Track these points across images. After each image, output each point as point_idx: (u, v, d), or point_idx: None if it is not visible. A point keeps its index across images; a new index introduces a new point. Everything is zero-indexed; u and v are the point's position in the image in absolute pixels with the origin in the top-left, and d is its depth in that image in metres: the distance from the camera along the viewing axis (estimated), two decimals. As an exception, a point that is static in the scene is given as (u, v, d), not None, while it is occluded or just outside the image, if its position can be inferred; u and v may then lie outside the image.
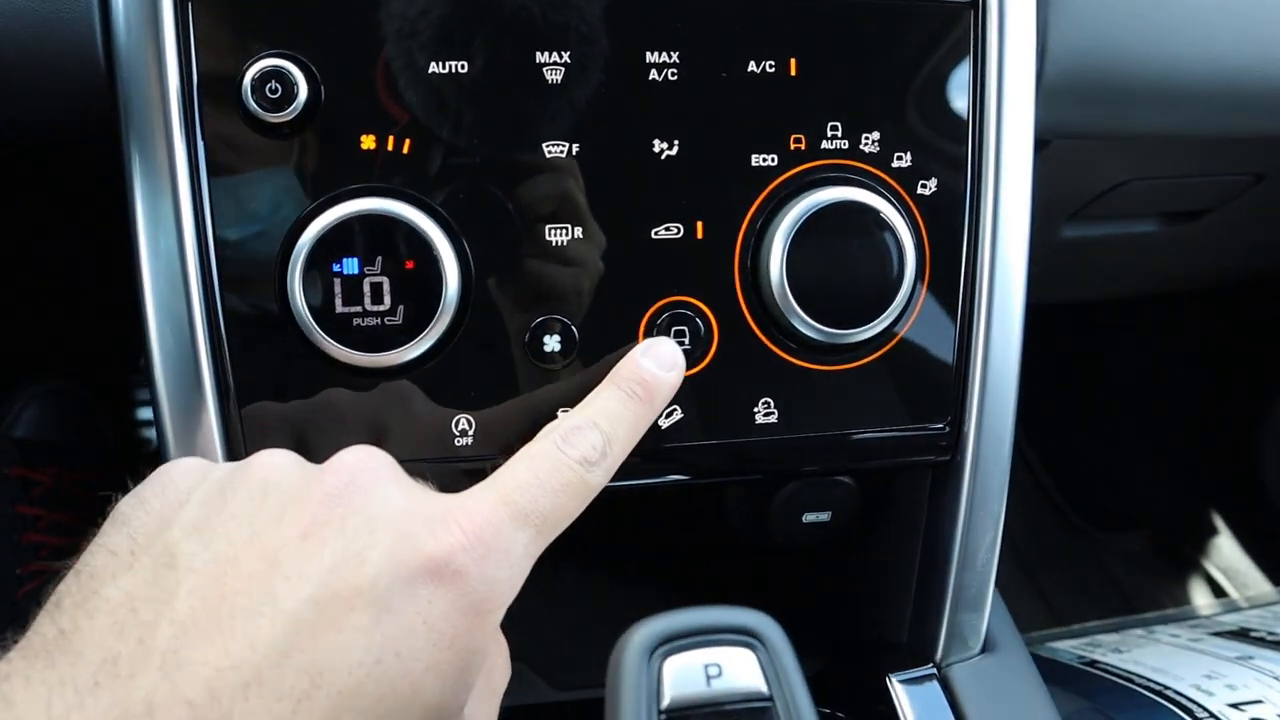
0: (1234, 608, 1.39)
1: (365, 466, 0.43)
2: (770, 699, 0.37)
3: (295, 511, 0.41)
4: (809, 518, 0.66)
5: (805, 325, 0.56)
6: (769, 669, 0.37)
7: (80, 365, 1.29)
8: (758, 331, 0.57)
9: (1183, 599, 1.52)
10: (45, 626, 0.37)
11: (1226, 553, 1.53)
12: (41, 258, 0.99)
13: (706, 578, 0.74)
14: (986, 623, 0.64)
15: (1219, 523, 1.54)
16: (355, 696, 0.37)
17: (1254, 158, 0.89)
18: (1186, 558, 1.54)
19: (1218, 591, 1.51)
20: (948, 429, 0.61)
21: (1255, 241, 1.09)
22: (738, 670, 0.37)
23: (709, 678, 0.37)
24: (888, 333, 0.58)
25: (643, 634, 0.38)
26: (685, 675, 0.37)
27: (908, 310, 0.58)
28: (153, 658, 0.35)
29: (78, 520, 1.22)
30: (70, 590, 0.39)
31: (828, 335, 0.57)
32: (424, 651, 0.39)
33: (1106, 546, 1.59)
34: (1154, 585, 1.55)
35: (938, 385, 0.60)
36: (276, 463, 0.44)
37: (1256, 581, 1.49)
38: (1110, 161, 0.84)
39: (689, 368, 0.56)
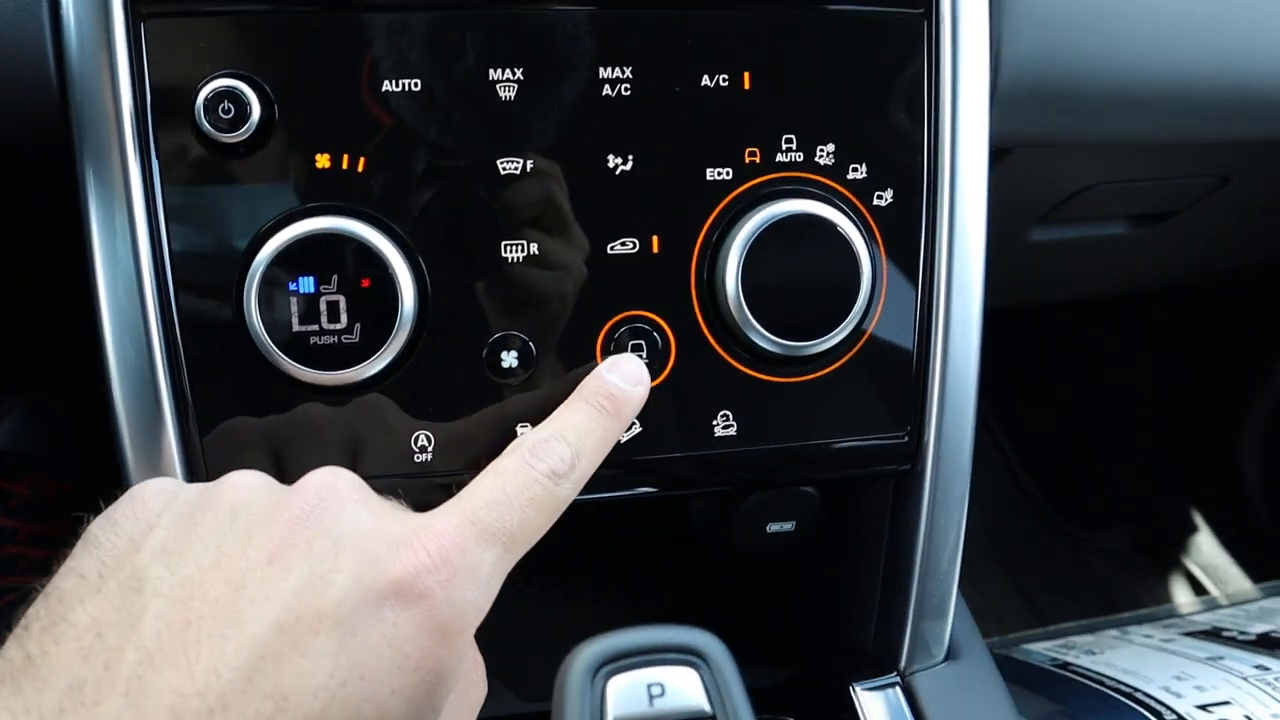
0: (1214, 604, 1.40)
1: (332, 488, 0.43)
2: (713, 717, 0.37)
3: (262, 534, 0.41)
4: (773, 528, 0.67)
5: (762, 338, 0.56)
6: (712, 687, 0.37)
7: (60, 377, 1.29)
8: (715, 345, 0.57)
9: (1164, 596, 1.53)
10: (13, 652, 0.37)
11: (1206, 550, 1.53)
12: (9, 268, 0.99)
13: (672, 588, 0.74)
14: (950, 630, 0.65)
15: (1199, 520, 1.55)
16: None
17: (1220, 160, 0.89)
18: (1167, 555, 1.55)
19: (1198, 589, 1.52)
20: (907, 439, 0.61)
21: (1224, 241, 1.10)
22: (681, 689, 0.37)
23: (651, 697, 0.37)
24: (845, 344, 0.59)
25: (586, 654, 0.38)
26: (628, 695, 0.37)
27: (864, 322, 0.59)
28: (118, 684, 0.36)
29: (57, 531, 1.22)
30: (39, 614, 0.39)
31: (785, 348, 0.57)
32: (389, 675, 0.39)
33: (1088, 544, 1.60)
34: (1135, 582, 1.55)
35: (897, 395, 0.61)
36: (246, 484, 0.44)
37: (1236, 578, 1.50)
38: (1075, 166, 0.85)
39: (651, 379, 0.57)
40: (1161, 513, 1.58)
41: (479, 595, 0.42)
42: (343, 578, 0.39)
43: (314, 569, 0.40)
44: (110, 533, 0.42)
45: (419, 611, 0.40)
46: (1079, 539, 1.60)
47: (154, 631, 0.37)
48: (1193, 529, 1.55)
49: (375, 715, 0.38)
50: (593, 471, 0.50)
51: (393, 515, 0.44)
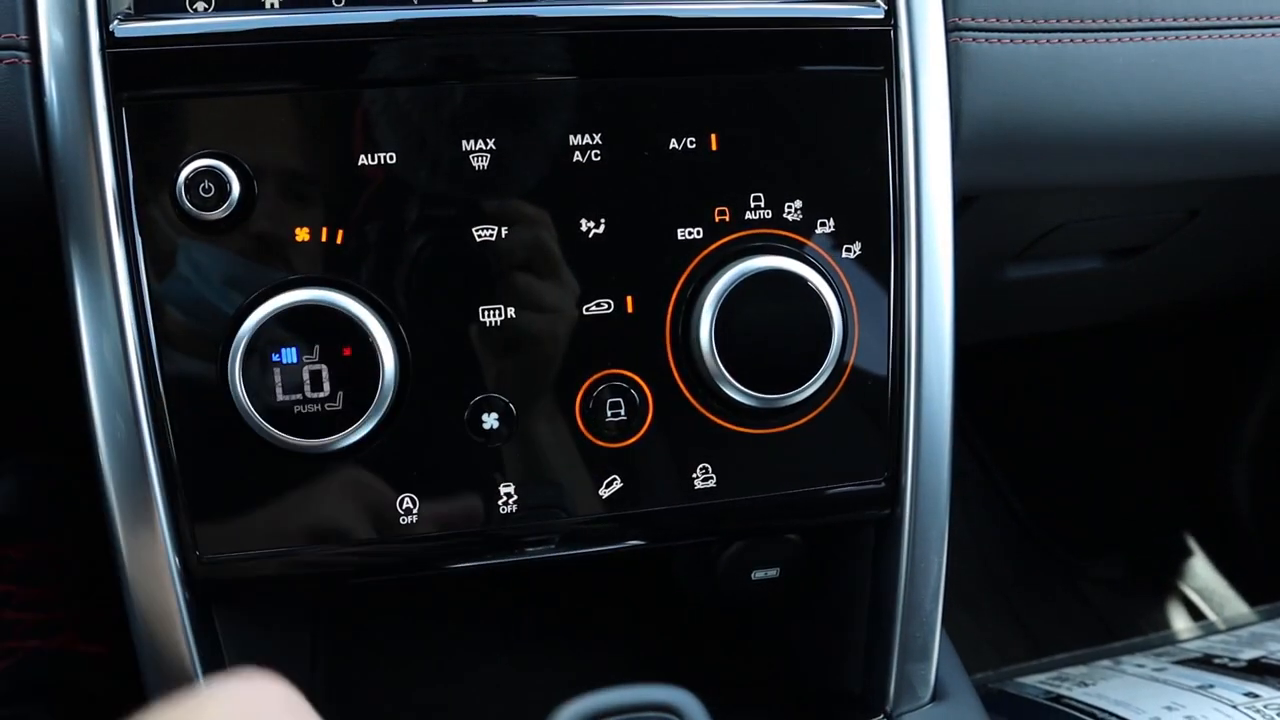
0: (1213, 629, 1.40)
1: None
2: (690, 775, 0.38)
3: None
4: (758, 574, 0.67)
5: (737, 392, 0.58)
6: (688, 745, 0.38)
7: (56, 440, 1.29)
8: (692, 400, 0.59)
9: (1161, 622, 1.53)
10: None
11: (1201, 574, 1.54)
12: (4, 336, 1.00)
13: (656, 640, 0.74)
14: (935, 671, 0.65)
15: (1192, 544, 1.56)
16: None
17: (1187, 196, 0.91)
18: (1162, 581, 1.55)
19: (1195, 613, 1.52)
20: (885, 484, 0.62)
21: (1199, 271, 1.12)
22: (658, 747, 0.38)
23: (630, 757, 0.38)
24: (819, 395, 0.60)
25: (565, 715, 0.39)
26: (607, 755, 0.38)
27: (838, 372, 0.60)
28: None
29: (54, 595, 1.22)
30: None
31: (760, 400, 0.58)
32: None
33: (1084, 573, 1.60)
34: (1132, 609, 1.55)
35: (873, 442, 0.62)
36: None
37: (1231, 600, 1.51)
38: (1046, 206, 0.86)
39: (626, 439, 0.58)
40: (1155, 539, 1.59)
41: None
42: None
43: None
44: None
45: None
46: (1075, 568, 1.61)
47: None
48: (1187, 554, 1.55)
49: None
50: None
51: None
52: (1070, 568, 1.61)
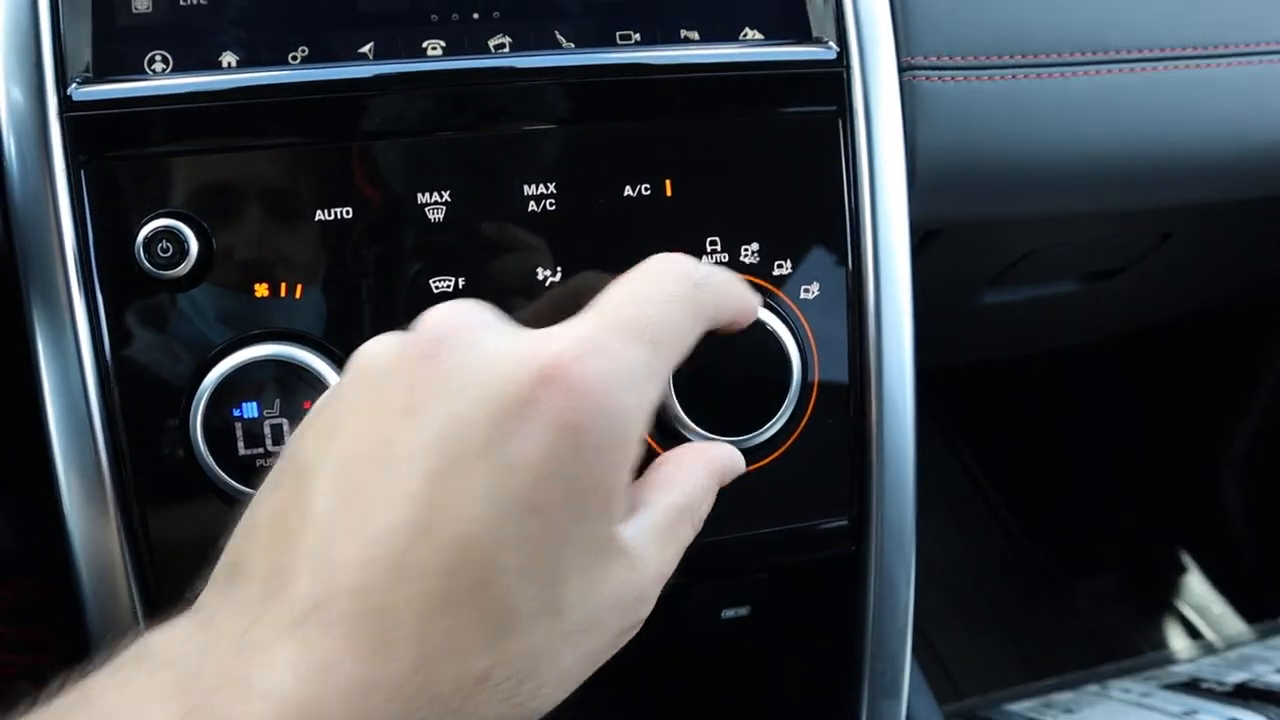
0: (1205, 649, 1.40)
1: (452, 320, 0.41)
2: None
3: (392, 386, 0.39)
4: (727, 613, 0.67)
5: (697, 436, 0.58)
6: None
7: (44, 479, 1.30)
8: (653, 443, 0.59)
9: (1157, 640, 1.53)
10: (221, 558, 0.40)
11: (1196, 590, 1.53)
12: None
13: (627, 676, 0.74)
14: (905, 708, 0.65)
15: (1187, 561, 1.55)
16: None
17: (1158, 219, 0.91)
18: (1157, 598, 1.55)
19: (1191, 630, 1.51)
20: (848, 522, 0.62)
21: (1176, 290, 1.12)
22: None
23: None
24: (781, 435, 0.60)
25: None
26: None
27: (799, 413, 0.60)
28: (303, 562, 0.36)
29: (43, 636, 1.23)
30: (240, 520, 0.41)
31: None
32: (553, 494, 0.37)
33: (1078, 591, 1.60)
34: (1127, 627, 1.55)
35: (836, 480, 0.62)
36: (369, 347, 0.42)
37: (1227, 616, 1.50)
38: (1016, 234, 0.87)
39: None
40: (1149, 556, 1.58)
41: (633, 396, 0.39)
42: (479, 409, 0.37)
43: (451, 408, 0.37)
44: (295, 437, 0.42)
45: (560, 393, 0.37)
46: (1069, 585, 1.60)
47: (323, 508, 0.37)
48: (1181, 570, 1.55)
49: (558, 540, 0.37)
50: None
51: (521, 333, 0.41)
52: (1064, 584, 1.60)
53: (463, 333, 0.40)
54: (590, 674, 0.40)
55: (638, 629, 0.42)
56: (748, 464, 0.59)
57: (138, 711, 0.35)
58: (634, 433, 0.40)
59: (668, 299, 0.42)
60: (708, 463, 0.48)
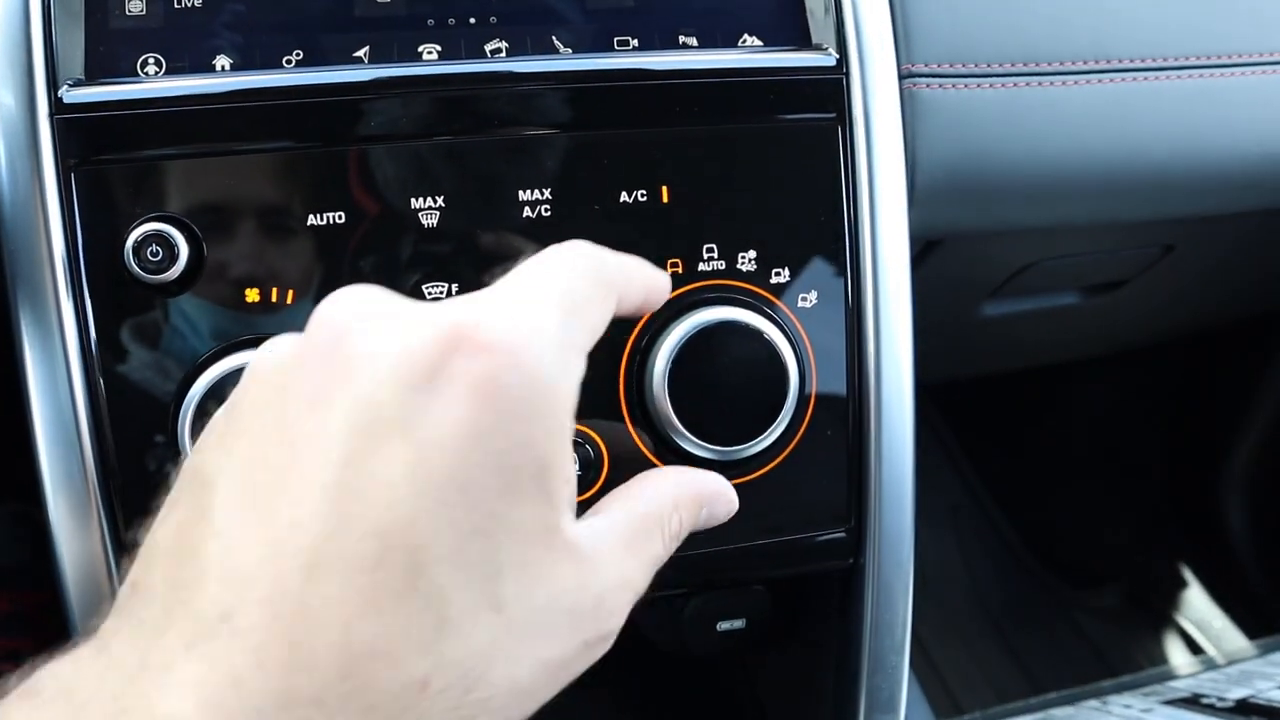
0: (1206, 664, 1.39)
1: (348, 306, 0.39)
2: None
3: (295, 381, 0.37)
4: (724, 626, 0.67)
5: (693, 445, 0.57)
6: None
7: (38, 488, 1.29)
8: (647, 453, 0.58)
9: (1157, 655, 1.52)
10: (122, 588, 0.37)
11: (1197, 605, 1.52)
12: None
13: (622, 688, 0.74)
14: (903, 724, 0.64)
15: (1188, 575, 1.54)
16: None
17: (1161, 231, 0.91)
18: (1158, 613, 1.54)
19: (1192, 645, 1.50)
20: (846, 535, 0.61)
21: (1179, 304, 1.11)
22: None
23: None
24: (778, 446, 0.59)
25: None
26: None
27: (796, 423, 0.59)
28: (210, 574, 0.34)
29: (37, 646, 1.22)
30: (140, 545, 0.38)
31: (717, 453, 0.57)
32: (471, 460, 0.34)
33: (1079, 605, 1.59)
34: (1128, 641, 1.54)
35: (834, 492, 0.61)
36: (267, 346, 0.40)
37: (1228, 631, 1.49)
38: (1016, 245, 0.86)
39: (581, 493, 0.57)
40: (1150, 570, 1.57)
41: (552, 355, 0.36)
42: (387, 389, 0.35)
43: (357, 393, 0.35)
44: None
45: (480, 372, 0.35)
46: (1069, 599, 1.59)
47: (226, 517, 0.35)
48: (1182, 585, 1.54)
49: (490, 523, 0.34)
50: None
51: (423, 305, 0.39)
52: (1064, 599, 1.59)
53: (361, 316, 0.38)
54: (555, 690, 0.37)
55: (608, 643, 0.39)
56: (745, 473, 0.59)
57: None
58: (560, 399, 0.37)
59: (573, 271, 0.40)
60: (690, 484, 0.46)
